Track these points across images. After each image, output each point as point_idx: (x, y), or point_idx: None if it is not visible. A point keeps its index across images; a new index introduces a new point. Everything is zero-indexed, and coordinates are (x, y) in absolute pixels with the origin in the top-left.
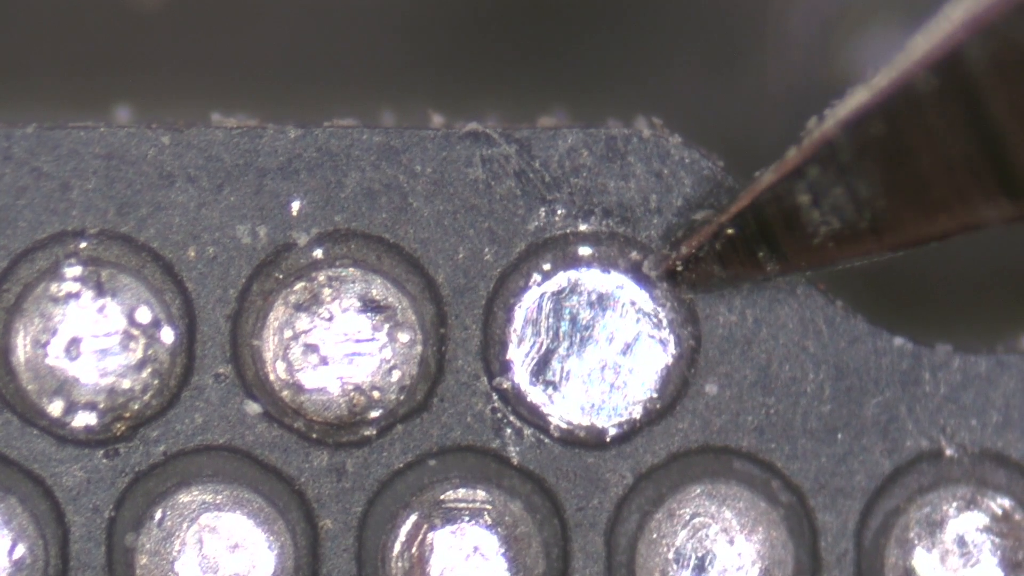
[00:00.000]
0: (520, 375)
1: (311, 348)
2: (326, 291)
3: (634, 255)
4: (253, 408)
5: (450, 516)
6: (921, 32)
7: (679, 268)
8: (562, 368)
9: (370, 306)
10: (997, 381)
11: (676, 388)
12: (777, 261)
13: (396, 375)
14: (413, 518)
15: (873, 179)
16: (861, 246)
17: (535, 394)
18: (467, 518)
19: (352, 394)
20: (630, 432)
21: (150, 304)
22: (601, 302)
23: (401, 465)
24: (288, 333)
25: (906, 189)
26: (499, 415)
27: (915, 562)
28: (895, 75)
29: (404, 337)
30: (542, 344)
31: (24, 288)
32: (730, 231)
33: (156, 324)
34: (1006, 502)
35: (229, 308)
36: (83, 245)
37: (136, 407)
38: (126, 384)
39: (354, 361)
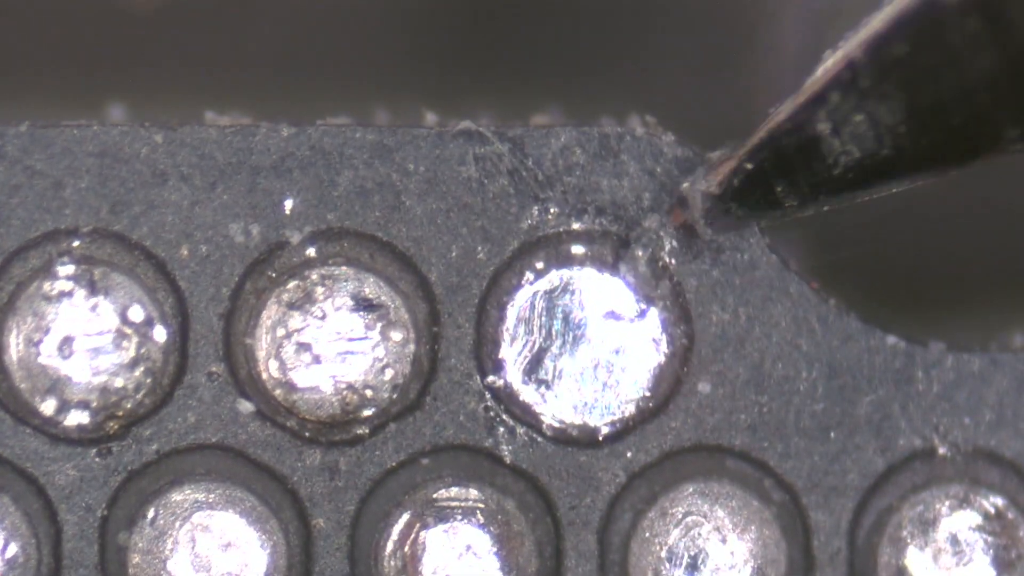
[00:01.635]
0: (513, 374)
1: (304, 347)
2: (319, 289)
3: (629, 255)
4: (246, 407)
5: (443, 515)
6: None
7: (699, 217)
8: (555, 367)
9: (363, 305)
10: (990, 379)
11: (669, 387)
12: (795, 195)
13: (389, 374)
14: (406, 517)
15: (894, 104)
16: (881, 175)
17: (528, 393)
18: (460, 517)
19: (345, 393)
20: (623, 431)
21: (143, 303)
22: (593, 300)
23: (394, 464)
24: (281, 332)
25: (927, 113)
26: (492, 414)
27: (908, 561)
28: None
29: (397, 336)
30: (535, 343)
31: (17, 287)
32: (748, 166)
33: (149, 323)
34: (999, 501)
35: (222, 307)
36: (76, 243)
37: (129, 406)
38: (119, 383)
39: (347, 360)
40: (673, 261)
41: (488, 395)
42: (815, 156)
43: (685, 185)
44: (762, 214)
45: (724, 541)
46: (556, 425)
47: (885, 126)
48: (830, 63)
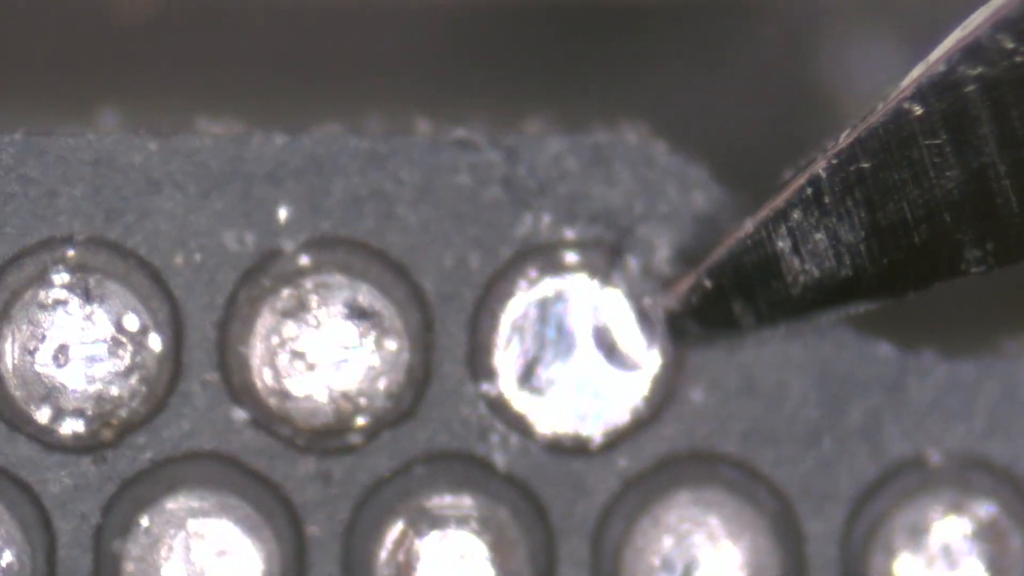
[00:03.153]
0: (506, 382)
1: (298, 355)
2: (313, 298)
3: (620, 263)
4: (240, 415)
5: (436, 522)
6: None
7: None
8: (548, 375)
9: (357, 313)
10: (982, 387)
11: (662, 395)
12: (753, 314)
13: (383, 382)
14: (400, 524)
15: (856, 222)
16: (840, 296)
17: (521, 401)
18: (453, 524)
19: (339, 401)
20: (616, 439)
21: (137, 311)
22: (587, 309)
23: (388, 472)
24: (275, 340)
25: (889, 232)
26: (485, 422)
27: (900, 568)
28: (883, 107)
29: (391, 344)
30: (528, 351)
31: (12, 295)
32: (707, 283)
33: (143, 331)
34: (991, 508)
35: (216, 315)
36: (71, 252)
37: (123, 414)
38: (113, 391)
39: (341, 368)
40: (666, 269)
41: (482, 403)
42: (775, 275)
43: (647, 301)
44: (719, 333)
45: (717, 548)
46: (549, 433)
47: (846, 245)
48: (793, 180)
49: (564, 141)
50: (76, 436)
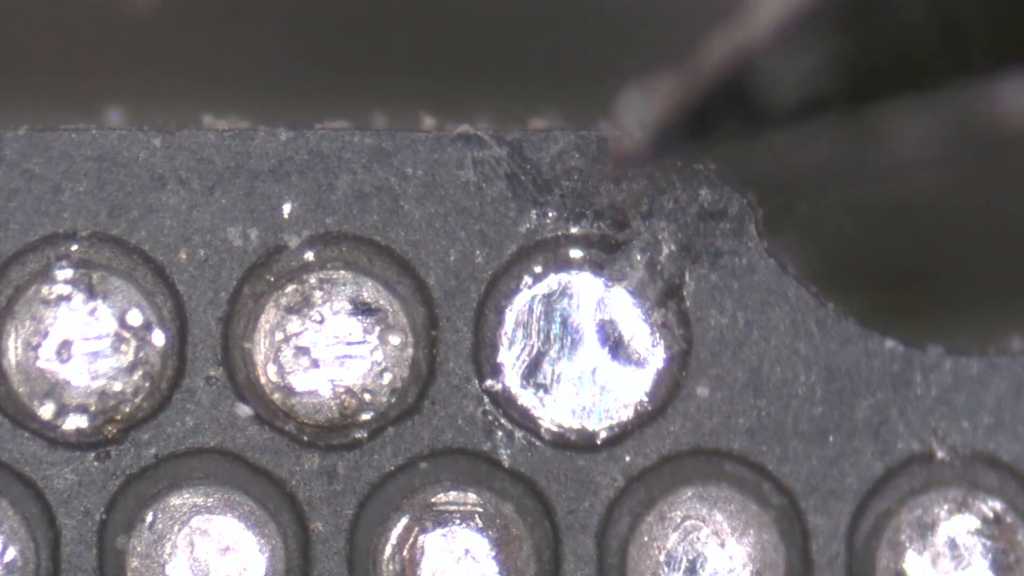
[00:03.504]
0: (511, 378)
1: (302, 351)
2: (317, 294)
3: (625, 260)
4: (244, 411)
5: (441, 519)
6: None
7: (637, 144)
8: (553, 371)
9: (361, 308)
10: (988, 383)
11: (667, 391)
12: (731, 126)
13: (387, 378)
14: (404, 521)
15: (833, 39)
16: (817, 106)
17: (526, 397)
18: (458, 521)
19: (343, 397)
20: (621, 435)
21: (141, 307)
22: (592, 305)
23: (392, 468)
24: (279, 336)
25: (863, 48)
26: (490, 418)
27: (906, 564)
28: None
29: (395, 340)
30: (533, 347)
31: (15, 291)
32: (692, 91)
33: (147, 327)
34: (997, 504)
35: (220, 311)
36: (74, 247)
37: (127, 410)
38: (117, 387)
39: (345, 364)
40: (671, 265)
41: (486, 399)
42: (756, 85)
43: (624, 106)
44: (701, 141)
45: (722, 545)
46: (554, 429)
47: (823, 58)
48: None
49: (570, 137)
50: (80, 432)
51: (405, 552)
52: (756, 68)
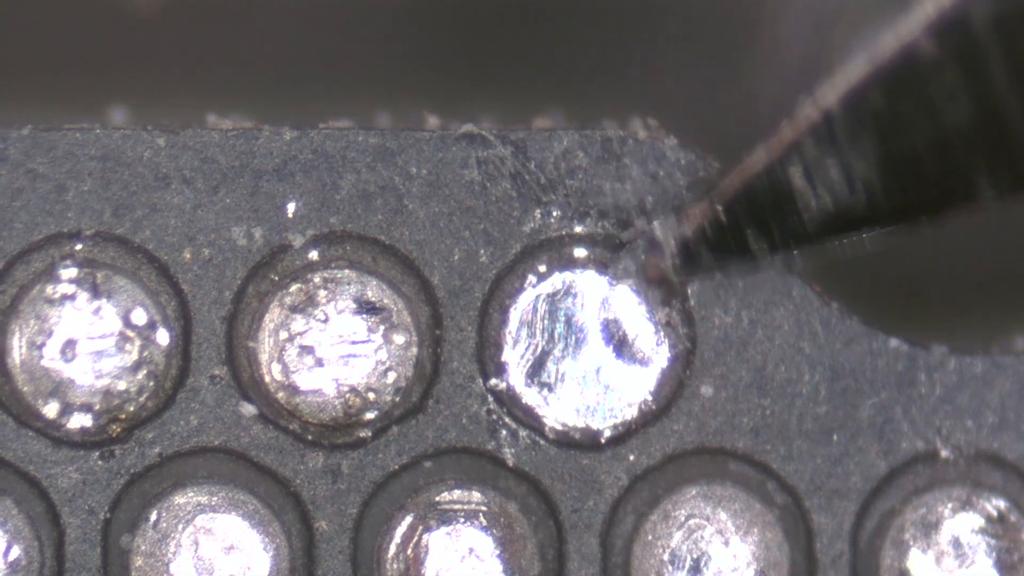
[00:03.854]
0: (515, 377)
1: (306, 350)
2: (321, 293)
3: (628, 258)
4: (248, 410)
5: (445, 518)
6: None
7: (670, 262)
8: (557, 370)
9: (365, 308)
10: (993, 382)
11: (671, 390)
12: (766, 243)
13: (391, 377)
14: (408, 520)
15: (868, 154)
16: (853, 225)
17: (530, 396)
18: (462, 520)
19: (347, 396)
20: (625, 434)
21: (145, 306)
22: (596, 304)
23: (396, 467)
24: (283, 335)
25: (901, 165)
26: (494, 417)
27: (910, 563)
28: (896, 42)
29: (399, 339)
30: (537, 346)
31: (20, 290)
32: (722, 213)
33: (151, 326)
34: (1001, 503)
35: (224, 310)
36: (79, 247)
37: (131, 409)
38: (121, 386)
39: (349, 363)
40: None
41: (490, 398)
42: (788, 205)
43: (657, 229)
44: (732, 261)
45: (727, 544)
46: (559, 428)
47: (858, 176)
48: (805, 111)
49: (574, 136)
50: (84, 431)
51: (409, 551)
52: (787, 187)
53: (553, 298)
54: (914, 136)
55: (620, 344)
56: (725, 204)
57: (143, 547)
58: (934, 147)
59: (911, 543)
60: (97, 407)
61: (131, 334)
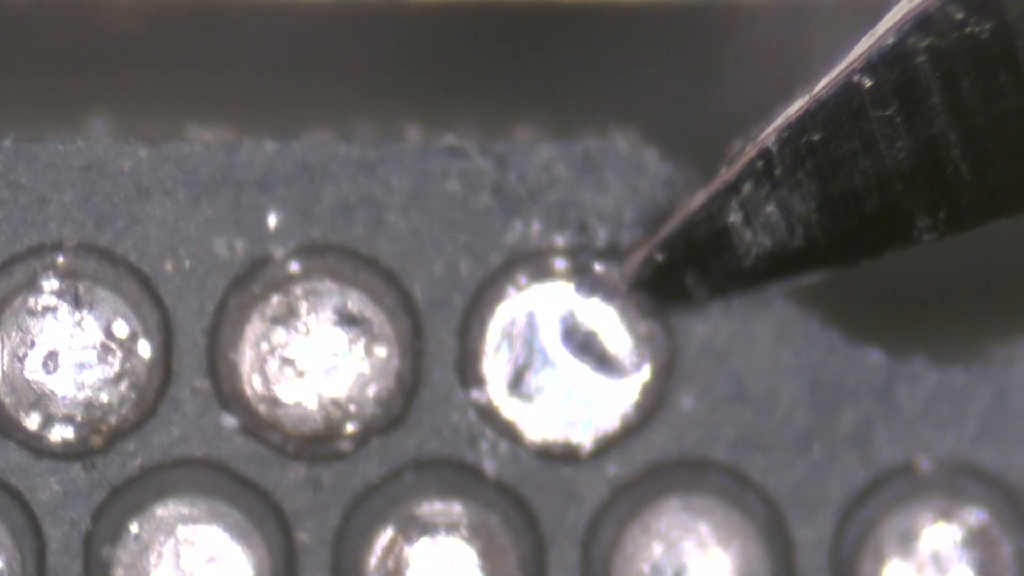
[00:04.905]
0: (496, 388)
1: (288, 361)
2: (303, 305)
3: (607, 270)
4: (230, 421)
5: (426, 529)
6: (860, 39)
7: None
8: (538, 381)
9: (346, 320)
10: (972, 393)
11: (652, 401)
12: (706, 286)
13: (372, 388)
14: (389, 531)
15: (807, 192)
16: (792, 266)
17: (511, 407)
18: (443, 531)
19: (329, 408)
20: (606, 445)
21: (127, 317)
22: (576, 315)
23: (377, 478)
24: (265, 347)
25: (840, 202)
26: (475, 428)
27: (890, 574)
28: (832, 79)
29: (380, 351)
30: (518, 357)
31: (1, 301)
32: (659, 257)
33: (133, 337)
34: (981, 515)
35: (206, 321)
36: (60, 258)
37: (113, 420)
38: (103, 397)
39: (331, 375)
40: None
41: (471, 410)
42: (726, 246)
43: (599, 268)
44: (672, 304)
45: (706, 555)
46: (539, 440)
47: (797, 216)
48: (744, 151)
49: (554, 148)
50: (66, 443)
51: (390, 563)
52: (725, 230)
53: (533, 310)
54: (853, 174)
55: (600, 356)
56: (663, 248)
57: (124, 558)
58: (873, 185)
59: (891, 554)
60: (79, 418)
61: (113, 346)
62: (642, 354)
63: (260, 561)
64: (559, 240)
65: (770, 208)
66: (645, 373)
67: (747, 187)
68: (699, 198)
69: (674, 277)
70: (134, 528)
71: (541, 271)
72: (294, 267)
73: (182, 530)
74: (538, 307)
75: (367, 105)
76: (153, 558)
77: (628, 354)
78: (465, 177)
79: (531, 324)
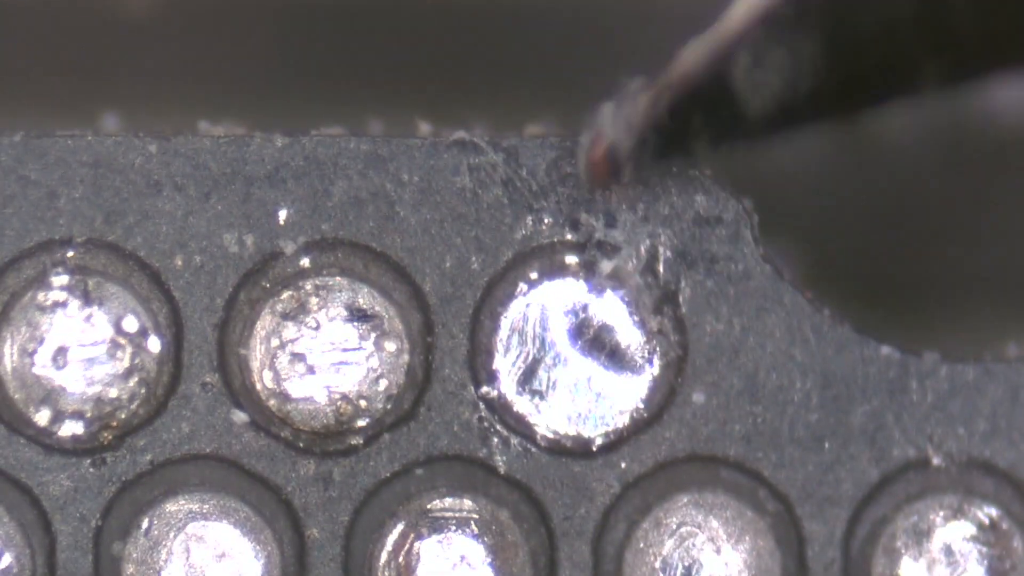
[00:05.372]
0: (507, 384)
1: (298, 357)
2: (313, 300)
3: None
4: (240, 417)
5: (437, 525)
6: None
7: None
8: (548, 377)
9: (357, 315)
10: (984, 390)
11: (663, 397)
12: (712, 135)
13: (383, 384)
14: (400, 527)
15: (812, 41)
16: (798, 113)
17: (522, 403)
18: (454, 527)
19: (339, 403)
20: (617, 441)
21: (137, 313)
22: (587, 311)
23: (388, 474)
24: (275, 342)
25: (846, 48)
26: (486, 424)
27: (902, 571)
28: None
29: (391, 346)
30: (528, 353)
31: (11, 297)
32: (669, 98)
33: (143, 333)
34: (993, 511)
35: (216, 317)
36: (70, 254)
37: (123, 416)
38: (113, 393)
39: (341, 370)
40: (667, 271)
41: (482, 405)
42: (734, 91)
43: (602, 118)
44: (678, 150)
45: (718, 551)
46: (550, 435)
47: (802, 61)
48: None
49: (565, 143)
50: (75, 438)
51: (401, 558)
52: (732, 72)
53: (545, 305)
54: (860, 19)
55: (612, 352)
56: (673, 90)
57: (135, 555)
58: (879, 31)
59: (903, 551)
60: (88, 414)
61: (123, 341)
62: (653, 349)
63: (270, 557)
64: (570, 235)
65: (776, 55)
66: (656, 368)
67: (754, 31)
68: (707, 40)
69: (683, 118)
70: (144, 524)
71: (552, 266)
72: (304, 262)
73: (192, 526)
74: (549, 302)
75: (377, 100)
76: (163, 554)
77: (639, 349)
78: (476, 172)
79: (542, 319)
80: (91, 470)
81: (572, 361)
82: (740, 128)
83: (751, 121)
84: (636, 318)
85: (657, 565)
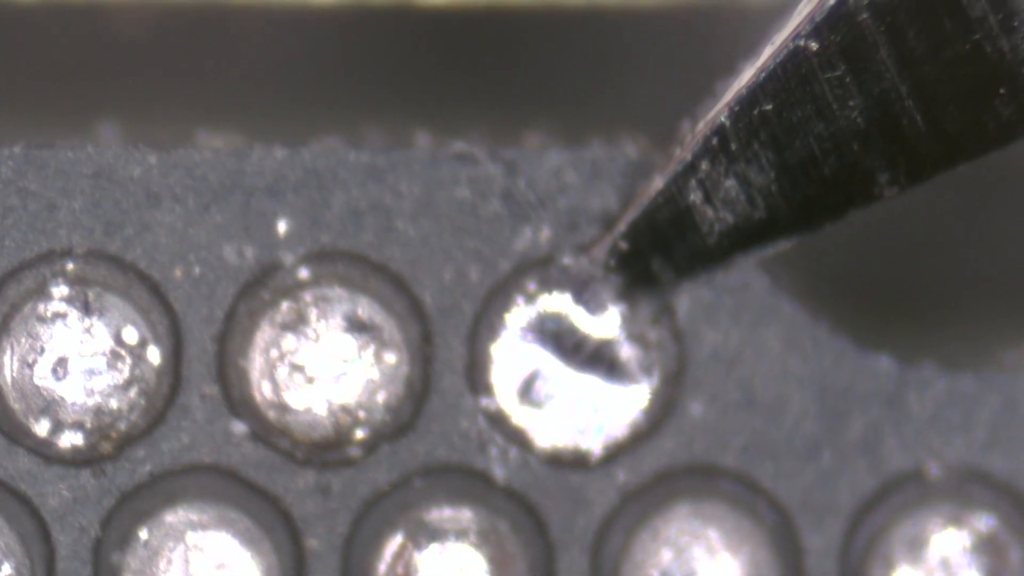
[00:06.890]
0: (505, 395)
1: (297, 368)
2: (312, 311)
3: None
4: (239, 428)
5: (436, 535)
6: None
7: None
8: (547, 388)
9: (356, 326)
10: (982, 400)
11: (661, 408)
12: (672, 268)
13: (382, 395)
14: (399, 537)
15: (764, 164)
16: (757, 238)
17: (520, 414)
18: (452, 537)
19: (338, 414)
20: (615, 452)
21: (137, 324)
22: (585, 322)
23: (387, 485)
24: (274, 353)
25: (798, 169)
26: (484, 435)
27: None
28: (778, 47)
29: (390, 357)
30: (527, 364)
31: (11, 308)
32: (623, 244)
33: (142, 344)
34: (990, 521)
35: (215, 328)
36: (70, 265)
37: (122, 427)
38: (112, 404)
39: (340, 381)
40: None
41: (481, 416)
42: (689, 226)
43: (566, 261)
44: (640, 290)
45: (716, 562)
46: (549, 446)
47: (757, 187)
48: (697, 129)
49: (564, 154)
50: (75, 449)
51: (400, 569)
52: (686, 211)
53: (543, 317)
54: (809, 139)
55: (610, 363)
56: (627, 235)
57: (134, 565)
58: (830, 147)
59: (900, 561)
60: (88, 425)
61: (122, 352)
62: (651, 361)
63: (269, 567)
64: (569, 246)
65: (729, 183)
66: (654, 380)
67: (704, 165)
68: (657, 181)
69: (640, 263)
70: (143, 534)
71: (551, 277)
72: (304, 273)
73: (191, 536)
74: (547, 314)
75: (377, 111)
76: (163, 564)
77: (638, 361)
78: (475, 183)
79: (540, 331)
80: (91, 480)
81: (570, 372)
82: (701, 259)
83: (712, 251)
84: (634, 329)
85: (655, 575)
